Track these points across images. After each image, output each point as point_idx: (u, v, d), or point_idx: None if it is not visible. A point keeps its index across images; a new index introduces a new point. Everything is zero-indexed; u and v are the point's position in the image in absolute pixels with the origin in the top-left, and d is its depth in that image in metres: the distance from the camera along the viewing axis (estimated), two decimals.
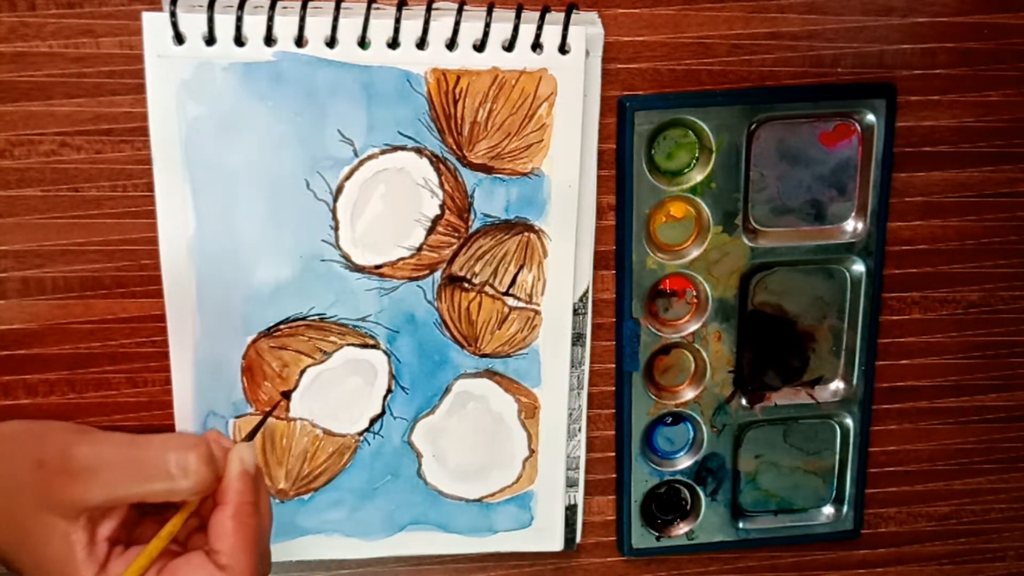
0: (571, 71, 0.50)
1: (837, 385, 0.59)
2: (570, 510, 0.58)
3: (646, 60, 0.52)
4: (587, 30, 0.50)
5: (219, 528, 0.45)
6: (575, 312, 0.55)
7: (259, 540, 0.46)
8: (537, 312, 0.54)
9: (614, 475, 0.59)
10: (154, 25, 0.47)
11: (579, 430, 0.57)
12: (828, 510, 0.61)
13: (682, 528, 0.60)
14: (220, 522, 0.45)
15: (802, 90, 0.53)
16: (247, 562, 0.45)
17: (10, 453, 0.47)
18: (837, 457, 0.60)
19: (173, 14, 0.47)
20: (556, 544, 0.58)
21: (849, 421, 0.59)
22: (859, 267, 0.56)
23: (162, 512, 0.46)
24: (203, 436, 0.46)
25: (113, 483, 0.44)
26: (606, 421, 0.58)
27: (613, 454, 0.58)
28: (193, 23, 0.47)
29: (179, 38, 0.48)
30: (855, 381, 0.58)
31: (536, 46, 0.50)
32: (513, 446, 0.56)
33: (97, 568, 0.44)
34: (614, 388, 0.57)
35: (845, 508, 0.60)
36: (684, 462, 0.59)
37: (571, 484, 0.58)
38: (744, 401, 0.58)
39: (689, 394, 0.57)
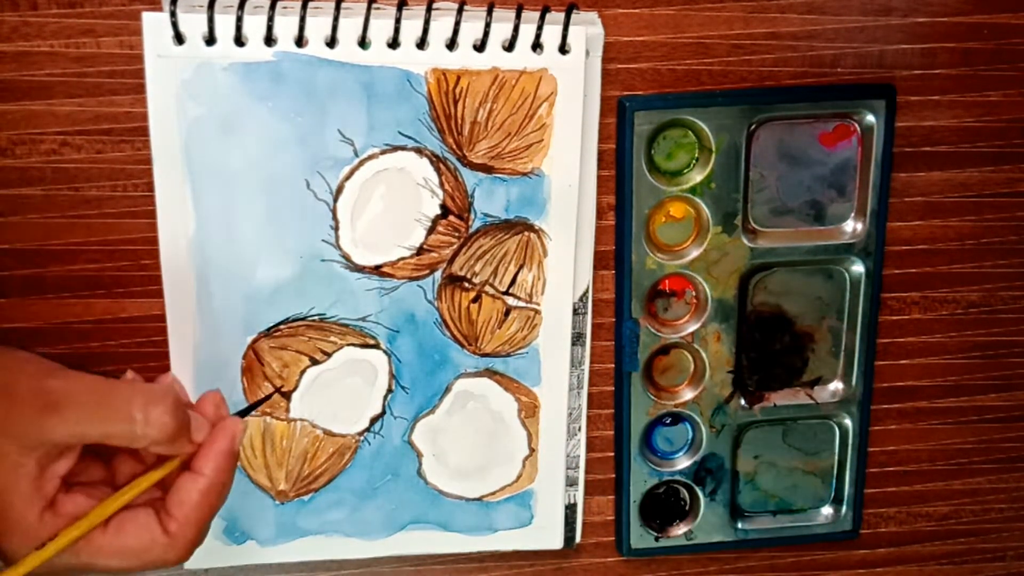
0: (571, 71, 0.50)
1: (836, 385, 0.59)
2: (570, 509, 0.58)
3: (646, 60, 0.52)
4: (587, 30, 0.50)
5: (183, 495, 0.43)
6: (575, 312, 0.55)
7: (211, 519, 0.44)
8: (537, 311, 0.54)
9: (613, 475, 0.59)
10: (154, 25, 0.47)
11: (579, 429, 0.57)
12: (827, 510, 0.61)
13: (681, 528, 0.60)
14: (186, 489, 0.43)
15: (802, 90, 0.53)
16: (194, 536, 0.43)
17: None
18: (836, 457, 0.60)
19: (173, 14, 0.47)
20: (556, 542, 0.58)
21: (848, 421, 0.59)
22: (858, 267, 0.56)
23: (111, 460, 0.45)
24: (169, 387, 0.44)
25: (77, 420, 0.42)
26: (605, 421, 0.58)
27: (612, 454, 0.58)
28: (193, 23, 0.47)
29: (179, 38, 0.48)
30: (854, 381, 0.58)
31: (536, 46, 0.50)
32: (513, 445, 0.56)
33: (43, 504, 0.42)
34: (613, 388, 0.57)
35: (844, 508, 0.60)
36: (683, 462, 0.59)
37: (571, 483, 0.58)
38: (743, 401, 0.58)
39: (688, 394, 0.57)
